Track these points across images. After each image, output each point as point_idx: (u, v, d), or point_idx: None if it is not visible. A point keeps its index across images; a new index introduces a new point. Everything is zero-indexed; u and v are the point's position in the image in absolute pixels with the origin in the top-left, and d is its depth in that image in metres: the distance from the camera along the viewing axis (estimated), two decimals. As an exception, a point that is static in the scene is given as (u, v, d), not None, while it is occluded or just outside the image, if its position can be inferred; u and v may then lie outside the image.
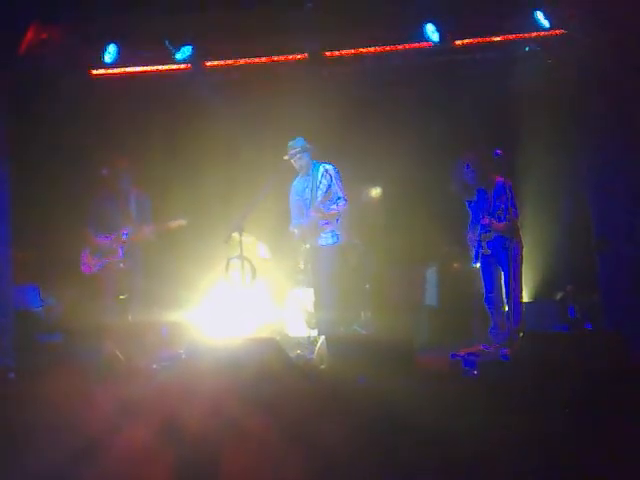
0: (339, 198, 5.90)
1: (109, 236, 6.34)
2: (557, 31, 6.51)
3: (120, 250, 6.30)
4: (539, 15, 6.40)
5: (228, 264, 5.79)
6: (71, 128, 6.76)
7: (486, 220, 5.67)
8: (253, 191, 5.81)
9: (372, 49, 6.97)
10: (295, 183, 6.17)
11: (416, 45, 6.86)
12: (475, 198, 5.85)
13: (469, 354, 5.45)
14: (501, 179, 5.69)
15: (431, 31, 6.61)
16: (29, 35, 6.15)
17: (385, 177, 7.82)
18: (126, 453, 3.46)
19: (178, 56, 6.81)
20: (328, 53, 6.98)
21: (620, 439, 3.34)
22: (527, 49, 6.88)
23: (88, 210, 6.45)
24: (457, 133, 7.01)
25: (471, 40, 6.84)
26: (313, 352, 5.33)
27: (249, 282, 5.57)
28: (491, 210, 5.71)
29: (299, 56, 7.04)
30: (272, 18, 6.39)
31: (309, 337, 5.94)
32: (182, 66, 7.06)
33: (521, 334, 5.26)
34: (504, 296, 5.69)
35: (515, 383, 4.33)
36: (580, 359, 4.34)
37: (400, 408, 3.82)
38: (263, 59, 7.06)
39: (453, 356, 5.58)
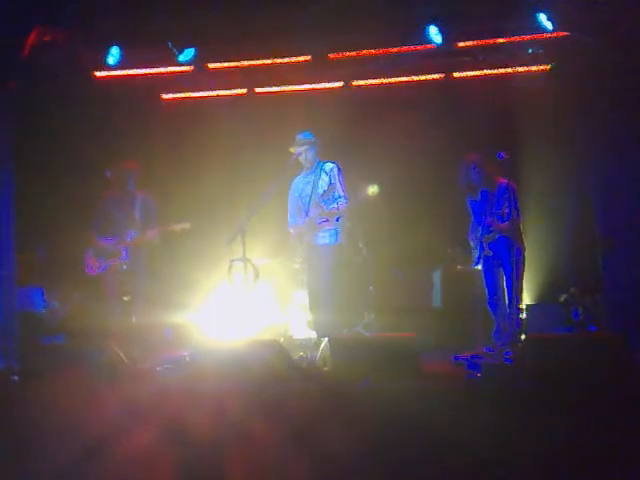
0: (340, 197, 5.76)
1: (113, 238, 6.35)
2: (560, 33, 6.51)
3: (124, 252, 6.30)
4: (542, 17, 6.39)
5: (231, 266, 5.78)
6: (75, 130, 6.78)
7: (489, 220, 5.67)
8: (256, 194, 5.81)
9: (375, 51, 6.97)
10: (296, 181, 6.05)
11: (419, 47, 6.86)
12: (479, 198, 5.86)
13: (473, 356, 5.47)
14: (504, 181, 5.70)
15: (434, 33, 6.60)
16: (32, 38, 6.16)
17: (389, 179, 7.80)
18: (130, 455, 3.46)
19: (181, 58, 6.82)
20: (332, 55, 6.99)
21: (624, 441, 3.33)
22: (530, 51, 6.89)
23: (93, 212, 6.46)
24: (461, 135, 7.01)
25: (474, 42, 6.85)
26: (316, 354, 5.33)
27: (252, 284, 5.56)
28: (494, 211, 5.72)
29: (302, 58, 7.05)
30: (275, 20, 6.39)
31: (312, 339, 5.93)
32: (185, 68, 7.08)
33: (523, 336, 5.26)
34: (507, 298, 5.69)
35: (519, 386, 4.33)
36: (584, 361, 4.33)
37: (403, 410, 3.81)
38: (266, 61, 7.07)
39: (457, 358, 5.59)
